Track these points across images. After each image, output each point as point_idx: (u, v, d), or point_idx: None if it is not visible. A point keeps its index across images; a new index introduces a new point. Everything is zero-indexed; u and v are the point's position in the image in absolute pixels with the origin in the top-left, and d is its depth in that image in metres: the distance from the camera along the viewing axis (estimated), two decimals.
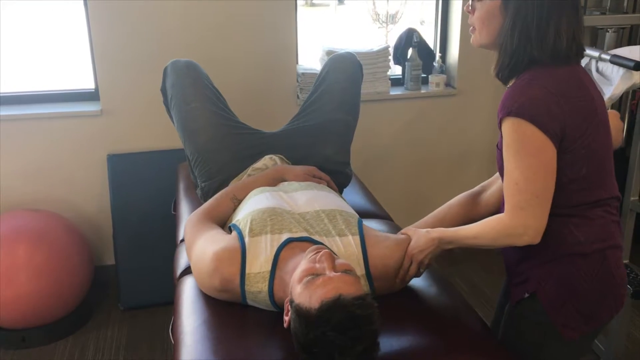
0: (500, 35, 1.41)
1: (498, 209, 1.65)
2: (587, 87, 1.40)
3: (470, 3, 1.47)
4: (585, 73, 1.46)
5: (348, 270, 1.35)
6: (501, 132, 1.40)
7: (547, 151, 1.34)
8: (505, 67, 1.43)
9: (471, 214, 1.72)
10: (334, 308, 1.23)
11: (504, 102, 1.38)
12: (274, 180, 1.90)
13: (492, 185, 1.74)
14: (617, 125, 1.64)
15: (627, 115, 3.00)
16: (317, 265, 1.35)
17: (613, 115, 1.63)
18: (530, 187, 1.35)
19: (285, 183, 1.88)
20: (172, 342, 1.59)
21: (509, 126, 1.35)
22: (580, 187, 1.40)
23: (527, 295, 1.49)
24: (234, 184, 1.94)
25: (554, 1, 1.36)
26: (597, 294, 1.45)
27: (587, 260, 1.43)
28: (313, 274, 1.32)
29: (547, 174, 1.35)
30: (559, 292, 1.44)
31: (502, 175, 1.47)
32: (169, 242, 2.28)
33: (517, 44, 1.39)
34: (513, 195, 1.37)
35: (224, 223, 1.80)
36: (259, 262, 1.51)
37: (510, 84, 1.45)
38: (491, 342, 1.51)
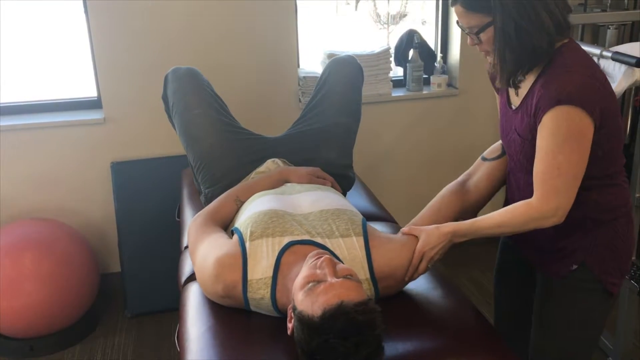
0: (501, 45, 1.44)
1: (489, 192, 1.75)
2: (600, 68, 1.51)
3: (469, 38, 1.53)
4: None
5: (349, 275, 1.35)
6: (535, 121, 1.44)
7: (589, 134, 1.41)
8: (515, 71, 1.47)
9: (464, 200, 1.75)
10: (336, 315, 1.23)
11: (547, 93, 1.41)
12: (277, 182, 1.90)
13: (477, 171, 1.79)
14: None
15: (630, 112, 2.99)
16: (318, 271, 1.34)
17: None
18: (572, 170, 1.42)
19: (289, 185, 1.88)
20: (178, 349, 1.59)
21: (559, 114, 1.40)
22: (612, 156, 1.51)
23: (575, 267, 1.56)
24: (237, 186, 1.94)
25: None
26: (629, 249, 1.61)
27: (619, 222, 1.56)
28: (314, 281, 1.32)
29: (586, 157, 1.43)
30: (604, 256, 1.55)
31: (524, 162, 1.53)
32: (174, 248, 2.28)
33: (520, 47, 1.42)
34: (551, 179, 1.42)
35: (227, 225, 1.80)
36: (261, 268, 1.50)
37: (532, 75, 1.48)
38: (497, 343, 1.50)
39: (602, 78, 1.45)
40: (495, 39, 1.44)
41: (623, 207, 1.57)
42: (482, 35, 1.48)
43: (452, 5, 1.50)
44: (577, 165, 1.41)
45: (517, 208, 1.49)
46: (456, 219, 1.66)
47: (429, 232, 1.57)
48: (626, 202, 1.58)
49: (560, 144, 1.40)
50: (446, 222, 1.61)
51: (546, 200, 1.43)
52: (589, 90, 1.40)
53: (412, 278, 1.60)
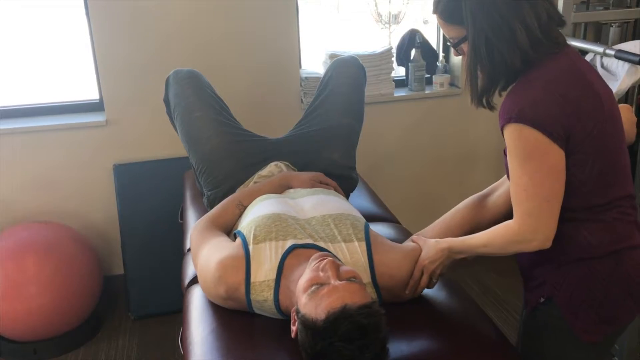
0: (472, 61, 1.37)
1: (507, 211, 1.61)
2: (590, 81, 1.35)
3: (452, 50, 1.47)
4: (584, 62, 1.41)
5: (353, 278, 1.34)
6: (504, 138, 1.37)
7: (553, 154, 1.31)
8: (488, 90, 1.40)
9: (478, 217, 1.69)
10: (340, 318, 1.22)
11: (504, 107, 1.34)
12: (280, 187, 1.89)
13: (501, 187, 1.71)
14: (630, 118, 1.60)
15: (633, 110, 2.97)
16: (321, 274, 1.34)
17: (626, 109, 1.59)
18: (540, 192, 1.32)
19: (292, 190, 1.88)
20: (182, 352, 1.59)
21: (511, 133, 1.32)
22: (593, 187, 1.37)
23: (542, 300, 1.47)
24: (240, 191, 1.94)
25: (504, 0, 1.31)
26: (615, 296, 1.41)
27: (601, 262, 1.39)
28: (318, 284, 1.32)
29: (556, 177, 1.32)
30: (575, 296, 1.42)
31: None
32: (177, 250, 2.28)
33: (491, 63, 1.35)
34: (522, 202, 1.34)
35: (230, 230, 1.79)
36: (264, 271, 1.50)
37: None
38: (502, 344, 1.50)
39: (574, 96, 1.30)
40: (467, 54, 1.38)
41: (609, 246, 1.39)
42: (464, 47, 1.41)
43: (433, 14, 1.45)
44: (542, 186, 1.31)
45: (499, 229, 1.41)
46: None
47: (430, 245, 1.55)
48: (618, 241, 1.39)
49: (521, 164, 1.32)
50: (453, 237, 1.57)
51: (522, 222, 1.35)
52: (545, 107, 1.28)
53: (414, 292, 1.57)
